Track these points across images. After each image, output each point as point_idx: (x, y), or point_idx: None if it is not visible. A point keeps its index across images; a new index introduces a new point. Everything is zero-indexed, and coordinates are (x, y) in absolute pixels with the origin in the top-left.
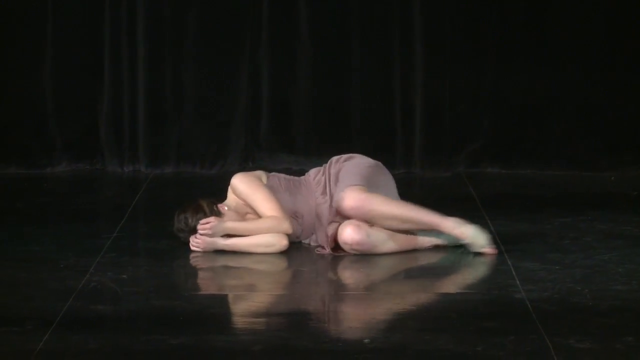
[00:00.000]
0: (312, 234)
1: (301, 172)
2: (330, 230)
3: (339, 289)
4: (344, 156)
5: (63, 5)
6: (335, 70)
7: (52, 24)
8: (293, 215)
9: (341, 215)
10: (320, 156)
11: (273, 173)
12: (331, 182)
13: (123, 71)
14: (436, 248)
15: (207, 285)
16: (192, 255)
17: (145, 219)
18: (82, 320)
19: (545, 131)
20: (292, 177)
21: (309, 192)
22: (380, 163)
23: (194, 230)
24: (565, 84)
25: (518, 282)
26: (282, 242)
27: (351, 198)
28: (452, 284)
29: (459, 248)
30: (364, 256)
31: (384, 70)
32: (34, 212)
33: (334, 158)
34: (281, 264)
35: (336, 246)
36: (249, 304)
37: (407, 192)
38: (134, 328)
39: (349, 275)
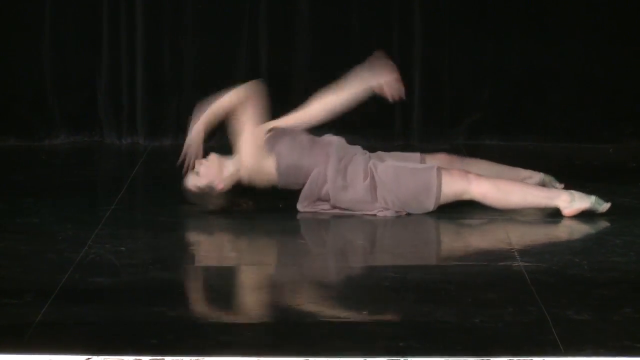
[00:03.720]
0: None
1: None
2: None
3: (338, 261)
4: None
5: None
6: (334, 42)
7: None
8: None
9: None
10: (318, 128)
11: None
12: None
13: (121, 43)
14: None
15: (205, 257)
16: (191, 227)
17: (144, 192)
18: (80, 292)
19: (545, 103)
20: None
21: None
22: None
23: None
24: (565, 56)
25: (516, 253)
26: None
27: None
28: (450, 256)
29: (458, 219)
30: (361, 226)
31: (383, 43)
32: (33, 185)
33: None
34: (280, 235)
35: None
36: (249, 276)
37: None
38: (132, 300)
39: (347, 246)
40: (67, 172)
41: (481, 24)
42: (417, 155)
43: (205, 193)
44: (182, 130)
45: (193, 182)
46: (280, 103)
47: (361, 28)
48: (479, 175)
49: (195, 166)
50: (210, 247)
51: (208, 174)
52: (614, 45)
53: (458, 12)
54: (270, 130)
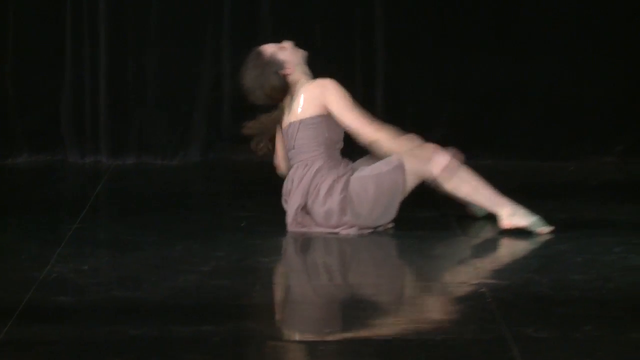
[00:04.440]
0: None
1: (263, 163)
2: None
3: (298, 279)
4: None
5: None
6: None
7: (13, 13)
8: None
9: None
10: None
11: None
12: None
13: (84, 61)
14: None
15: (168, 275)
16: (152, 246)
17: (107, 210)
18: (43, 311)
19: (506, 121)
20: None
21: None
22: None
23: None
24: (526, 74)
25: (478, 271)
26: None
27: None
28: (413, 273)
29: (421, 237)
30: (324, 245)
31: (345, 61)
32: None
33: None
34: (245, 252)
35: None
36: (211, 294)
37: None
38: (95, 319)
39: (309, 265)
40: (30, 190)
41: (443, 40)
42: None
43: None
44: (144, 148)
45: (272, 50)
46: (242, 123)
47: (323, 44)
48: (442, 150)
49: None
50: (172, 266)
51: (288, 55)
52: (576, 64)
53: (420, 28)
54: None
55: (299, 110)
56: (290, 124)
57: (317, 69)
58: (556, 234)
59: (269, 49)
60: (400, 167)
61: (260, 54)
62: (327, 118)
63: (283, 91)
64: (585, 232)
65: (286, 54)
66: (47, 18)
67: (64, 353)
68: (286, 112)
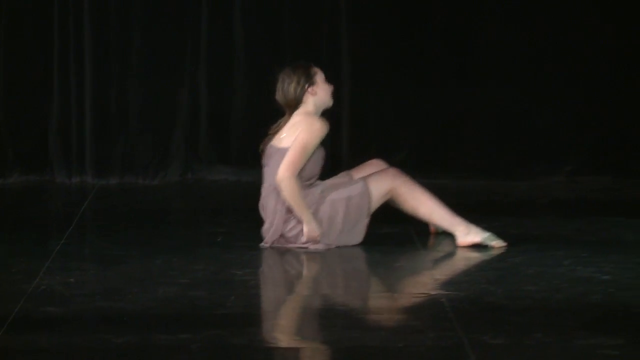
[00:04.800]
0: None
1: (237, 183)
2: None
3: (270, 291)
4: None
5: (14, 27)
6: (267, 88)
7: (4, 45)
8: None
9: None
10: (254, 167)
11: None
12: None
13: (71, 88)
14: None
15: (149, 287)
16: (134, 260)
17: (92, 227)
18: (32, 321)
19: (463, 144)
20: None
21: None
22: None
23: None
24: (480, 101)
25: (437, 283)
26: None
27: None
28: (378, 286)
29: (386, 252)
30: (294, 258)
31: None
32: None
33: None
34: (221, 265)
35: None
36: (189, 304)
37: None
38: (81, 328)
39: (280, 277)
40: (20, 209)
41: (405, 69)
42: (344, 176)
43: None
44: (127, 169)
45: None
46: (218, 145)
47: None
48: (402, 174)
49: None
50: (152, 278)
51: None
52: (527, 91)
53: (385, 57)
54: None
55: (282, 136)
56: (271, 145)
57: None
58: (510, 248)
59: (317, 69)
60: (366, 193)
61: (310, 66)
62: None
63: (293, 103)
64: (537, 246)
65: (322, 81)
66: (36, 50)
67: None
68: (278, 130)
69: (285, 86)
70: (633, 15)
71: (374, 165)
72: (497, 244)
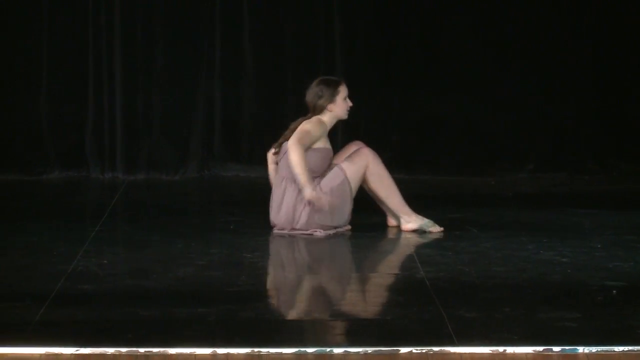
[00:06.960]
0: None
1: (247, 179)
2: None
3: (275, 270)
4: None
5: (54, 43)
6: (273, 95)
7: (47, 59)
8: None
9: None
10: (261, 164)
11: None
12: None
13: (104, 97)
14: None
15: (171, 268)
16: (157, 245)
17: (122, 216)
18: (71, 296)
19: (439, 144)
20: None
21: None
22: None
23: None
24: (454, 106)
25: (419, 264)
26: None
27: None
28: (367, 267)
29: (373, 237)
30: (292, 243)
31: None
32: (33, 210)
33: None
34: (233, 249)
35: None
36: (206, 283)
37: None
38: (112, 303)
39: (284, 259)
40: (60, 201)
41: (389, 82)
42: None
43: None
44: (152, 166)
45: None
46: (230, 145)
47: (294, 82)
48: (375, 155)
49: None
50: (174, 260)
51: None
52: (492, 98)
53: (371, 66)
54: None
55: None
56: (285, 143)
57: (290, 107)
58: (481, 235)
59: (343, 86)
60: (346, 180)
61: (339, 83)
62: (308, 152)
63: (314, 110)
64: (504, 233)
65: (342, 99)
66: (74, 64)
67: (87, 331)
68: (295, 127)
69: (312, 95)
70: (592, 19)
71: (354, 145)
72: (435, 229)
